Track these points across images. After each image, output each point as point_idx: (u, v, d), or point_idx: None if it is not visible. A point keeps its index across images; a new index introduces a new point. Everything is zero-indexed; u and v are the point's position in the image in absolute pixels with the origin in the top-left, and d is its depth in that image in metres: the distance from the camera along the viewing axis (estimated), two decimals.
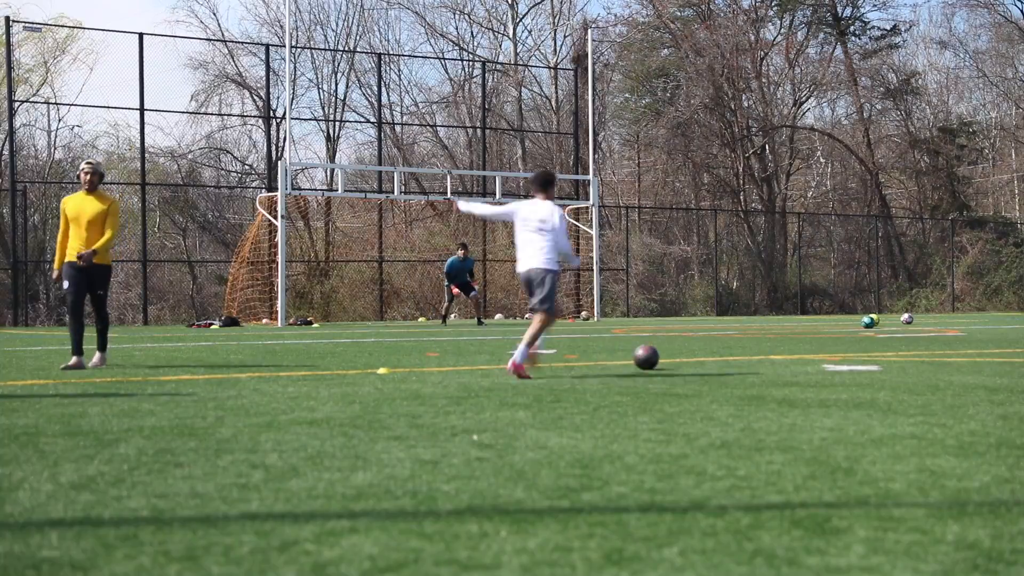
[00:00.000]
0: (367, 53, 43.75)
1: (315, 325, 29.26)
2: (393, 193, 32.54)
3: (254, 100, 42.25)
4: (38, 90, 38.55)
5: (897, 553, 3.29)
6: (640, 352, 10.52)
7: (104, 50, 39.85)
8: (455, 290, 27.65)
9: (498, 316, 33.00)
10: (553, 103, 47.95)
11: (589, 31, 36.84)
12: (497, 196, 31.79)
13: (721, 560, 3.21)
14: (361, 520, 3.74)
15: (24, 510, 3.92)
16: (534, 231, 10.06)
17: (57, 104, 38.75)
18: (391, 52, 47.38)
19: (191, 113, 41.47)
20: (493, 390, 8.41)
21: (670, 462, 4.93)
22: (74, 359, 11.01)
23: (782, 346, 15.55)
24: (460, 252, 27.77)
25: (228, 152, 43.71)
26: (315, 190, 38.16)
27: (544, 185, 10.24)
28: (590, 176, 33.54)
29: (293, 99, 38.69)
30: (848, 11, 52.31)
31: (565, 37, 49.42)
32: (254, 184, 41.05)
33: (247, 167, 43.59)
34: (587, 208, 34.26)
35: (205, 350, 14.91)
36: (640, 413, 6.84)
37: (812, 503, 4.00)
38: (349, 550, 3.33)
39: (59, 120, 39.42)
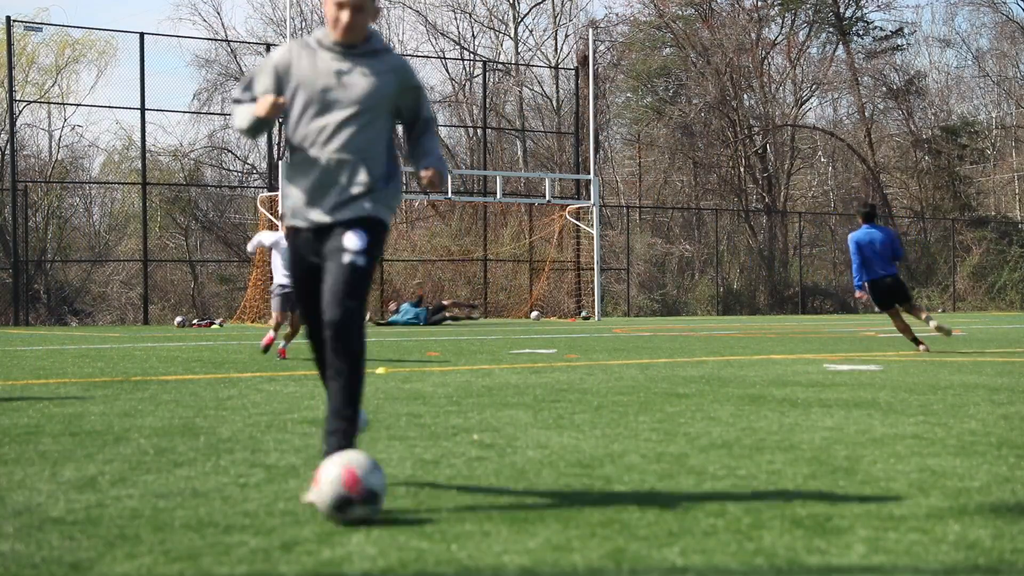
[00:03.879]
0: None
1: None
2: None
3: None
4: (45, 94, 38.46)
5: (898, 553, 3.28)
6: None
7: (110, 51, 39.64)
8: None
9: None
10: (554, 103, 47.90)
11: (591, 32, 36.81)
12: (498, 196, 31.75)
13: (722, 560, 3.20)
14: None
15: (24, 510, 3.92)
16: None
17: (62, 104, 38.69)
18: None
19: (193, 113, 41.46)
20: (493, 390, 8.40)
21: (671, 462, 4.93)
22: None
23: (783, 346, 15.54)
24: None
25: (229, 151, 43.68)
26: None
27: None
28: (591, 176, 33.53)
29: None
30: (850, 11, 52.28)
31: (567, 37, 49.41)
32: (255, 184, 41.02)
33: (248, 166, 43.55)
34: (588, 208, 34.24)
35: (205, 350, 14.90)
36: (641, 413, 6.83)
37: (813, 503, 4.00)
38: (349, 550, 3.33)
39: (64, 120, 39.35)
